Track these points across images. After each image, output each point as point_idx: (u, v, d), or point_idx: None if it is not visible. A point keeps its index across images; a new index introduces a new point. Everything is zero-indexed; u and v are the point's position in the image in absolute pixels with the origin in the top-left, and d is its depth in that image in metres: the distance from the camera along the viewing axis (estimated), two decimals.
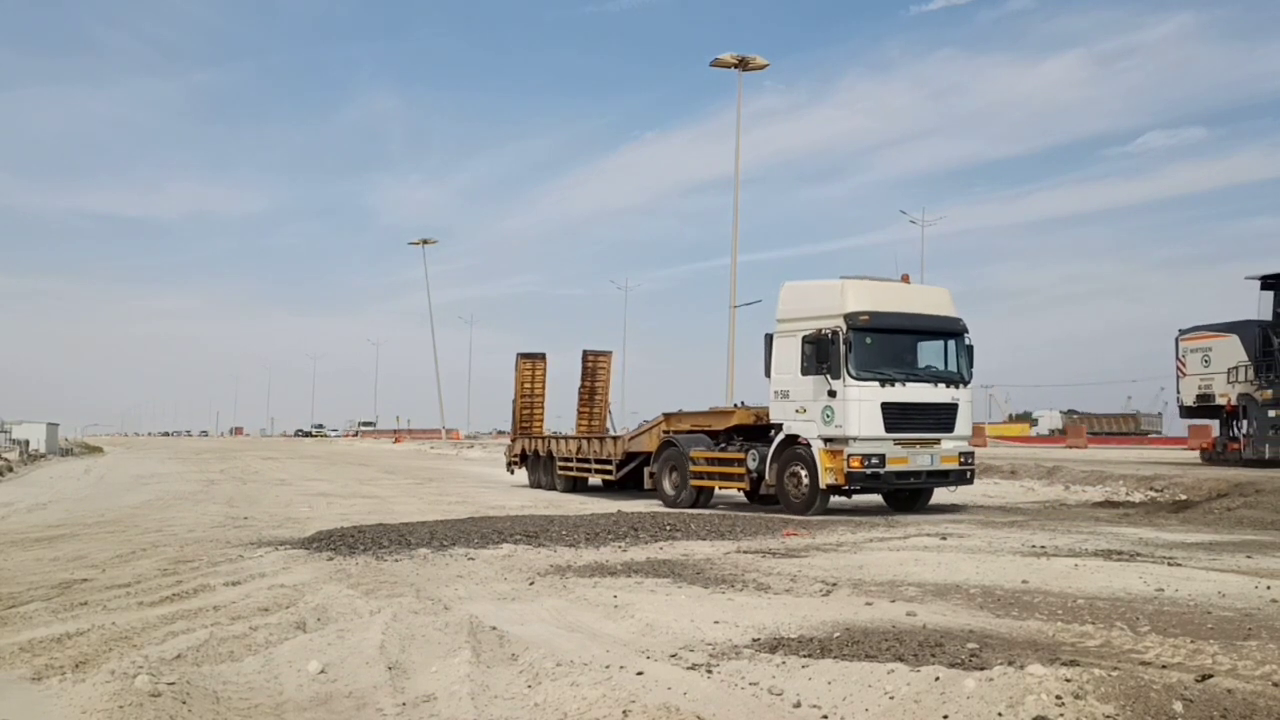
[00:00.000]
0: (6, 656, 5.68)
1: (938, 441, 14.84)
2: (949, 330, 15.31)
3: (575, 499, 18.91)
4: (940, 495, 17.10)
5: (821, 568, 9.07)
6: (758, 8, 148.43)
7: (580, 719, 4.54)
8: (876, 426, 14.30)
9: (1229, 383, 22.06)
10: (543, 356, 24.48)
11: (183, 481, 25.82)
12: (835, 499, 15.14)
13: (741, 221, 34.26)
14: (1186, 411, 24.16)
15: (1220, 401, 22.44)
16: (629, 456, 19.13)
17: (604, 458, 19.86)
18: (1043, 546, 10.52)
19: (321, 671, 5.38)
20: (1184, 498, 17.03)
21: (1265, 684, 4.71)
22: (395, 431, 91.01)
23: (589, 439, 21.13)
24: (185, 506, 17.23)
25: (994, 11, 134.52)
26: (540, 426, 24.31)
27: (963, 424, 15.12)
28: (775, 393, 15.48)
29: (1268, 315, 21.98)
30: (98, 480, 27.99)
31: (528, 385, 24.07)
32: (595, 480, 20.56)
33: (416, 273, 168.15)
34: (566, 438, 22.45)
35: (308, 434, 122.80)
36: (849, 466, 14.15)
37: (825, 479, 14.34)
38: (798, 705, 4.69)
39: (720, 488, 16.98)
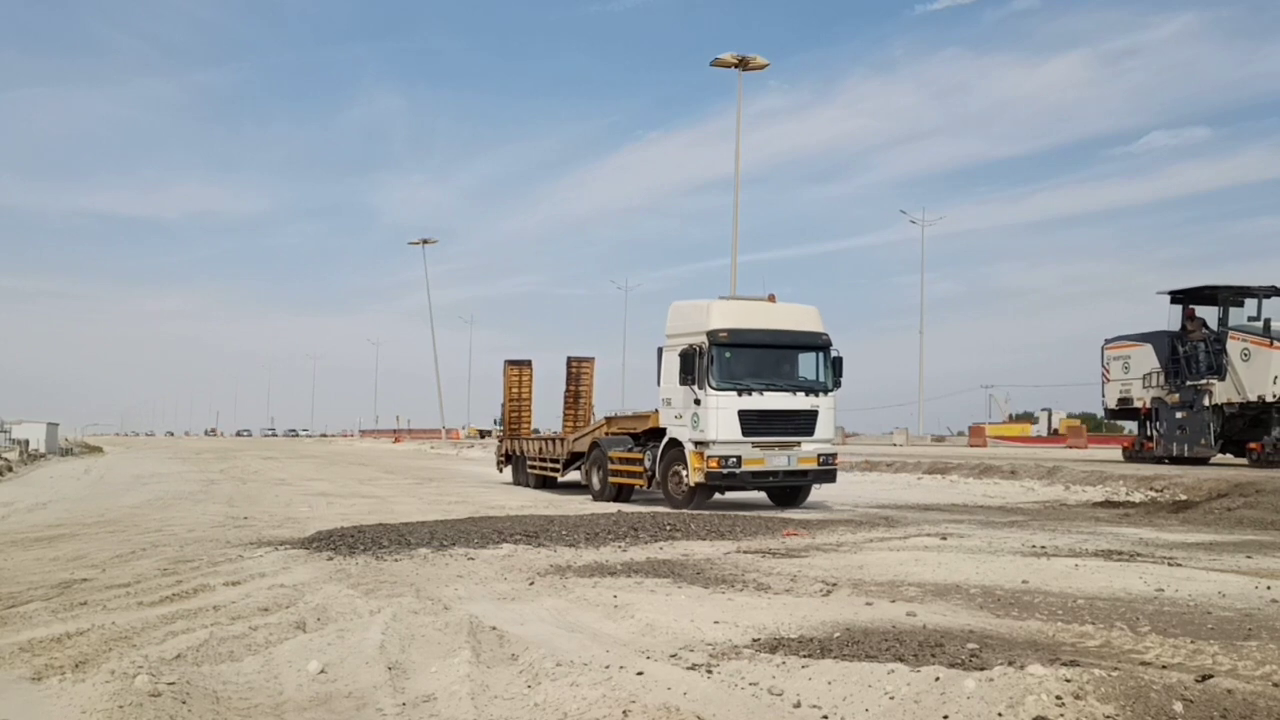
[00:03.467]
0: (6, 656, 5.67)
1: (797, 444, 16.03)
2: (810, 344, 16.55)
3: (575, 499, 18.92)
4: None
5: (821, 568, 9.07)
6: (762, 8, 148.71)
7: (580, 719, 4.54)
8: (734, 431, 15.71)
9: (1144, 388, 24.40)
10: (529, 363, 25.54)
11: (182, 481, 25.80)
12: (717, 496, 16.57)
13: (744, 221, 34.43)
14: (1110, 413, 26.64)
15: (1138, 405, 24.80)
16: (573, 456, 20.68)
17: (555, 457, 21.39)
18: (1043, 546, 10.53)
19: (321, 671, 5.38)
20: (1184, 498, 17.05)
21: (1265, 684, 4.71)
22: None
23: (549, 440, 22.50)
24: (185, 506, 17.22)
25: (998, 11, 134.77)
26: (528, 429, 25.08)
27: (823, 428, 16.35)
28: (662, 400, 17.02)
29: (1176, 327, 23.89)
30: (97, 480, 27.94)
31: (515, 390, 25.14)
32: (570, 476, 21.33)
33: (417, 273, 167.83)
34: (534, 439, 23.67)
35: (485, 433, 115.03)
36: (708, 467, 15.61)
37: (694, 477, 15.89)
38: (798, 705, 4.69)
39: (631, 484, 18.25)
